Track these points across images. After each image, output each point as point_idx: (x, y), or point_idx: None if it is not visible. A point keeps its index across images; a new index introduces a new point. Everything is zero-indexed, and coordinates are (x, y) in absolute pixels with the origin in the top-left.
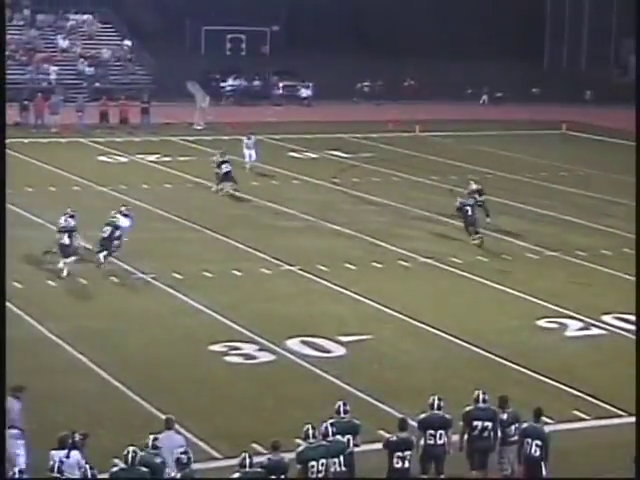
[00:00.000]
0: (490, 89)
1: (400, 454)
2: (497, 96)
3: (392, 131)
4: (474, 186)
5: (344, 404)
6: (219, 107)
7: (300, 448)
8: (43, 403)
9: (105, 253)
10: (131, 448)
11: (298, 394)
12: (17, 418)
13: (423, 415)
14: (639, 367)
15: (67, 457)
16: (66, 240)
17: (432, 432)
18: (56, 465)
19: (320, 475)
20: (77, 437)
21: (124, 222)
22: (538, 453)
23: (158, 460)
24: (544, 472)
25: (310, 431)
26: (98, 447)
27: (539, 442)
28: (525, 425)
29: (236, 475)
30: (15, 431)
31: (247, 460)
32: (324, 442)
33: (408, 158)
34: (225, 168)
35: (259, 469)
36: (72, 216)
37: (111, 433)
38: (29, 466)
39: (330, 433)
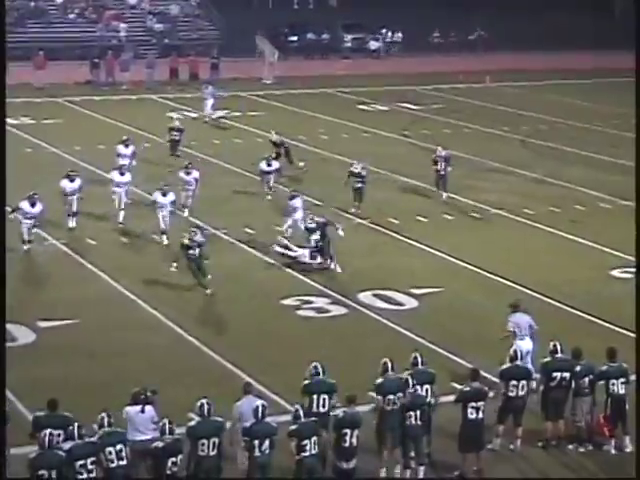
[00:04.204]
0: (559, 39)
1: (474, 404)
2: (566, 45)
3: (462, 82)
4: (443, 152)
5: (420, 355)
6: (288, 61)
7: (379, 381)
8: (118, 358)
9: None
10: (204, 400)
11: (371, 347)
12: None
13: (505, 366)
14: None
15: (142, 412)
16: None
17: (515, 383)
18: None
19: (395, 407)
20: (148, 393)
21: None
22: (623, 391)
23: None
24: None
25: (388, 364)
26: (173, 402)
27: (624, 379)
28: (604, 368)
29: (293, 427)
30: None
31: (300, 412)
32: (401, 376)
33: (479, 109)
34: None
35: (313, 419)
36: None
37: (185, 388)
38: None
39: (411, 384)
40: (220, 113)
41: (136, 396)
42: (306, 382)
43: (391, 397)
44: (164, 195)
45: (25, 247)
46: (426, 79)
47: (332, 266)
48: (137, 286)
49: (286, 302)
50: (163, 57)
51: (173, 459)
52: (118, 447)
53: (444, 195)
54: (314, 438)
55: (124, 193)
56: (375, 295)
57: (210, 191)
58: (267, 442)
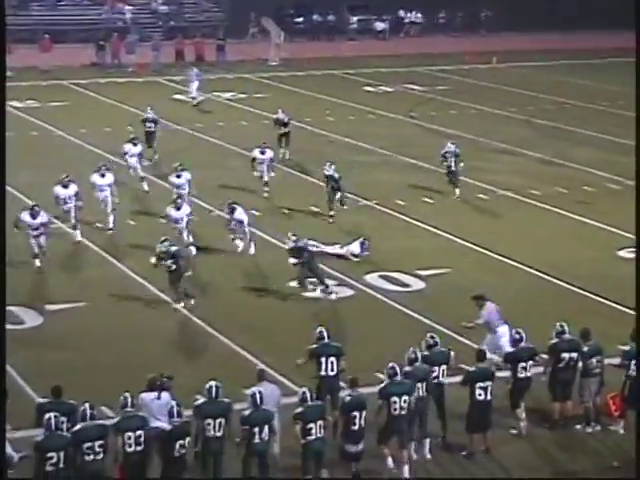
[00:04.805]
0: (566, 19)
1: (482, 384)
2: (573, 25)
3: (468, 63)
4: (452, 148)
5: (434, 336)
6: (293, 43)
7: (384, 384)
8: (125, 341)
9: None
10: (213, 382)
11: (377, 329)
12: None
13: (510, 349)
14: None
15: (158, 398)
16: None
17: (523, 365)
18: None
19: (403, 412)
20: (164, 379)
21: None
22: None
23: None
24: None
25: (396, 369)
26: (180, 384)
27: None
28: (627, 348)
29: (299, 410)
30: None
31: (307, 394)
32: (407, 380)
33: (485, 90)
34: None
35: (319, 402)
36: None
37: (192, 370)
38: None
39: (419, 358)
40: (201, 97)
41: (152, 382)
42: (313, 346)
43: (396, 399)
44: (178, 209)
45: (37, 262)
46: (432, 60)
47: (332, 295)
48: (144, 269)
49: (293, 284)
50: (169, 39)
51: (181, 442)
52: (138, 433)
53: (457, 192)
54: (320, 422)
55: (109, 195)
56: (382, 277)
57: (216, 173)
58: (266, 428)
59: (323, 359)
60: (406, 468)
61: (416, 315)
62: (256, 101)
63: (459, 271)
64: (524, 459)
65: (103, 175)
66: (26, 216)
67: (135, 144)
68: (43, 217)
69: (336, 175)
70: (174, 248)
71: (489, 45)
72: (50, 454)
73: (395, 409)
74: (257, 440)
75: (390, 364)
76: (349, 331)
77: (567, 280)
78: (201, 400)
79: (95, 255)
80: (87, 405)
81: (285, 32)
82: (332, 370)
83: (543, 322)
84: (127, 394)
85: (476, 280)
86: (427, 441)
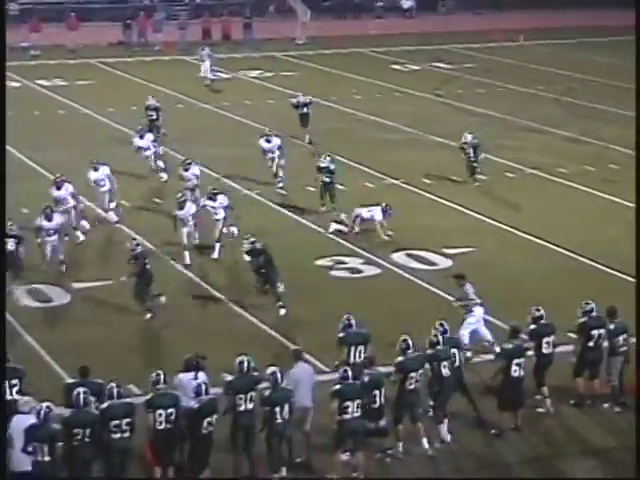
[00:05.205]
0: None
1: (517, 360)
2: (600, 2)
3: (495, 41)
4: (469, 138)
5: (443, 323)
6: (320, 21)
7: (399, 359)
8: (151, 319)
9: None
10: (245, 357)
11: (404, 307)
12: None
13: (533, 326)
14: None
15: (195, 378)
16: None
17: (547, 340)
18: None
19: (417, 386)
20: (199, 359)
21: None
22: None
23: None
24: None
25: (409, 341)
26: (207, 363)
27: None
28: None
29: (337, 387)
30: None
31: (349, 372)
32: (420, 353)
33: (512, 68)
34: None
35: (358, 382)
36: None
37: (218, 348)
38: None
39: (440, 341)
40: (213, 77)
41: (188, 363)
42: (341, 335)
43: (413, 375)
44: (181, 208)
45: (63, 268)
46: (459, 38)
47: (282, 311)
48: (168, 247)
49: (320, 262)
50: (195, 18)
51: (208, 419)
52: (169, 410)
53: (478, 178)
54: (357, 401)
55: (107, 191)
56: (408, 255)
57: (242, 151)
58: (286, 408)
59: (353, 348)
60: (425, 440)
61: (442, 293)
62: (283, 79)
63: (486, 250)
64: (552, 437)
65: (96, 169)
66: (42, 220)
67: (142, 136)
68: (58, 218)
69: (332, 167)
70: (139, 250)
71: (516, 23)
72: (76, 430)
73: (410, 384)
74: (279, 420)
75: (402, 337)
76: (376, 309)
77: (593, 258)
78: (232, 376)
79: (121, 233)
80: (114, 384)
81: (311, 10)
82: (359, 357)
83: (569, 300)
84: (160, 371)
85: (502, 258)
86: (446, 421)
